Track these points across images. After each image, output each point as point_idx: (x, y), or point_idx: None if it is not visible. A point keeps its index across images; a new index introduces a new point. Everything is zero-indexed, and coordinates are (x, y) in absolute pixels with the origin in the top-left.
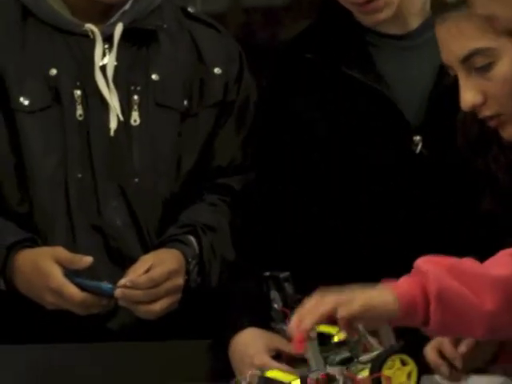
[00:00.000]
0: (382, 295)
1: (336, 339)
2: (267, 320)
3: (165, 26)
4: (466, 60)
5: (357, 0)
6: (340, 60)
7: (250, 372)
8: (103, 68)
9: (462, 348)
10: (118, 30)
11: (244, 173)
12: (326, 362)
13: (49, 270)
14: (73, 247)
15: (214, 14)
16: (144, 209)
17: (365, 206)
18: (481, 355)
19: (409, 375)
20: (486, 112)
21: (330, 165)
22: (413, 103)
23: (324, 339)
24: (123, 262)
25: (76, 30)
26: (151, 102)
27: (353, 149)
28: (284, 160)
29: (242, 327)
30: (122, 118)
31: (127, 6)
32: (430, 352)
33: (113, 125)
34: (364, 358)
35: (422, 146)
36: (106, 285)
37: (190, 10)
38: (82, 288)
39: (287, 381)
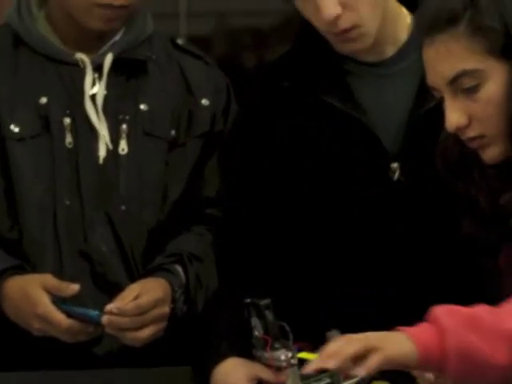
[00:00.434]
0: (404, 346)
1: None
2: (248, 348)
3: (154, 56)
4: (454, 81)
5: (332, 30)
6: (318, 87)
7: None
8: (93, 97)
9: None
10: (108, 59)
11: None
12: None
13: (37, 297)
14: (60, 273)
15: (200, 36)
16: (130, 236)
17: (345, 233)
18: None
19: None
20: (469, 133)
21: (309, 192)
22: (390, 130)
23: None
24: (108, 288)
25: (67, 59)
26: (139, 131)
27: (331, 176)
28: (263, 182)
29: (223, 357)
30: (111, 147)
31: (118, 37)
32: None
33: (102, 153)
34: None
35: (400, 173)
36: (92, 312)
37: (178, 41)
38: (70, 315)
39: None
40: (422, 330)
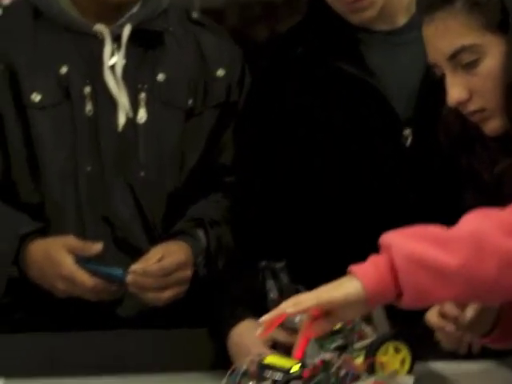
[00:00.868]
0: (348, 286)
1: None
2: (264, 311)
3: (171, 28)
4: (453, 57)
5: (341, 0)
6: (331, 54)
7: (248, 358)
8: (112, 67)
9: (469, 313)
10: (127, 31)
11: None
12: (321, 349)
13: (60, 258)
14: (82, 238)
15: (212, 8)
16: (149, 201)
17: (357, 199)
18: (483, 323)
19: (402, 362)
20: (470, 107)
21: (322, 156)
22: (403, 97)
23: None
24: (130, 252)
25: (86, 30)
26: (157, 100)
27: (344, 142)
28: (276, 152)
29: (239, 319)
30: (130, 115)
31: (135, 9)
32: (432, 316)
33: (121, 121)
34: (358, 344)
35: (412, 139)
36: (116, 270)
37: (194, 15)
38: (93, 274)
39: (286, 367)
40: (369, 261)
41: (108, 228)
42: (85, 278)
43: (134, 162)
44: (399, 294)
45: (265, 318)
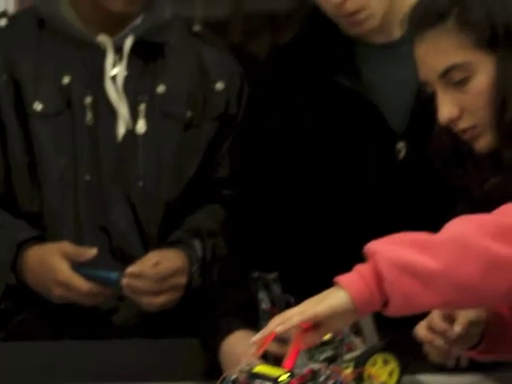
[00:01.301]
0: (335, 297)
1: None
2: (256, 321)
3: (171, 41)
4: (444, 75)
5: (340, 13)
6: (327, 68)
7: (238, 367)
8: (113, 78)
9: (457, 328)
10: (129, 42)
11: None
12: (311, 359)
13: (56, 264)
14: (79, 246)
15: (215, 19)
16: (147, 212)
17: (349, 211)
18: (470, 337)
19: (390, 374)
20: (461, 125)
21: (315, 169)
22: (397, 110)
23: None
24: (126, 262)
25: (89, 40)
26: (157, 111)
27: (339, 155)
28: (272, 165)
29: (231, 330)
30: (130, 126)
31: (138, 21)
32: (420, 329)
33: (121, 131)
34: (348, 356)
35: (405, 152)
36: (111, 273)
37: (195, 28)
38: (89, 279)
39: (275, 375)
40: (354, 269)
41: (105, 237)
42: (80, 282)
43: (133, 172)
44: (386, 302)
45: (256, 337)
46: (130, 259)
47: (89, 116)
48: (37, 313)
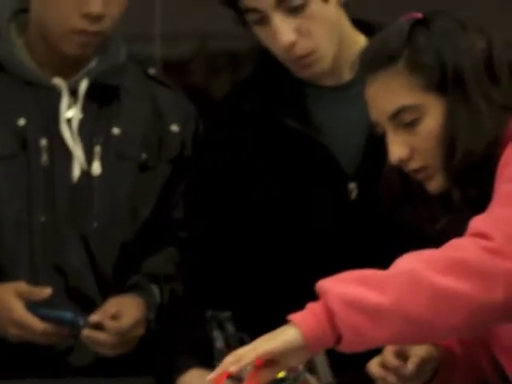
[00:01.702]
0: (286, 334)
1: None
2: (210, 360)
3: (126, 84)
4: (394, 116)
5: (290, 56)
6: (277, 110)
7: None
8: (69, 120)
9: (410, 366)
10: (84, 85)
11: None
12: None
13: (11, 303)
14: (35, 285)
15: (178, 59)
16: (102, 252)
17: (302, 251)
18: (423, 373)
19: None
20: (412, 165)
21: (268, 210)
22: (348, 152)
23: None
24: (82, 302)
25: (44, 83)
26: (112, 153)
27: (290, 197)
28: (224, 206)
29: (186, 369)
30: (85, 168)
31: (93, 64)
32: (373, 366)
33: (76, 173)
34: None
35: (357, 193)
36: (66, 313)
37: (150, 71)
38: (44, 318)
39: None
40: (306, 307)
41: (60, 277)
42: (35, 322)
43: (88, 212)
44: (339, 338)
45: (211, 376)
46: (85, 299)
47: (44, 158)
48: None
